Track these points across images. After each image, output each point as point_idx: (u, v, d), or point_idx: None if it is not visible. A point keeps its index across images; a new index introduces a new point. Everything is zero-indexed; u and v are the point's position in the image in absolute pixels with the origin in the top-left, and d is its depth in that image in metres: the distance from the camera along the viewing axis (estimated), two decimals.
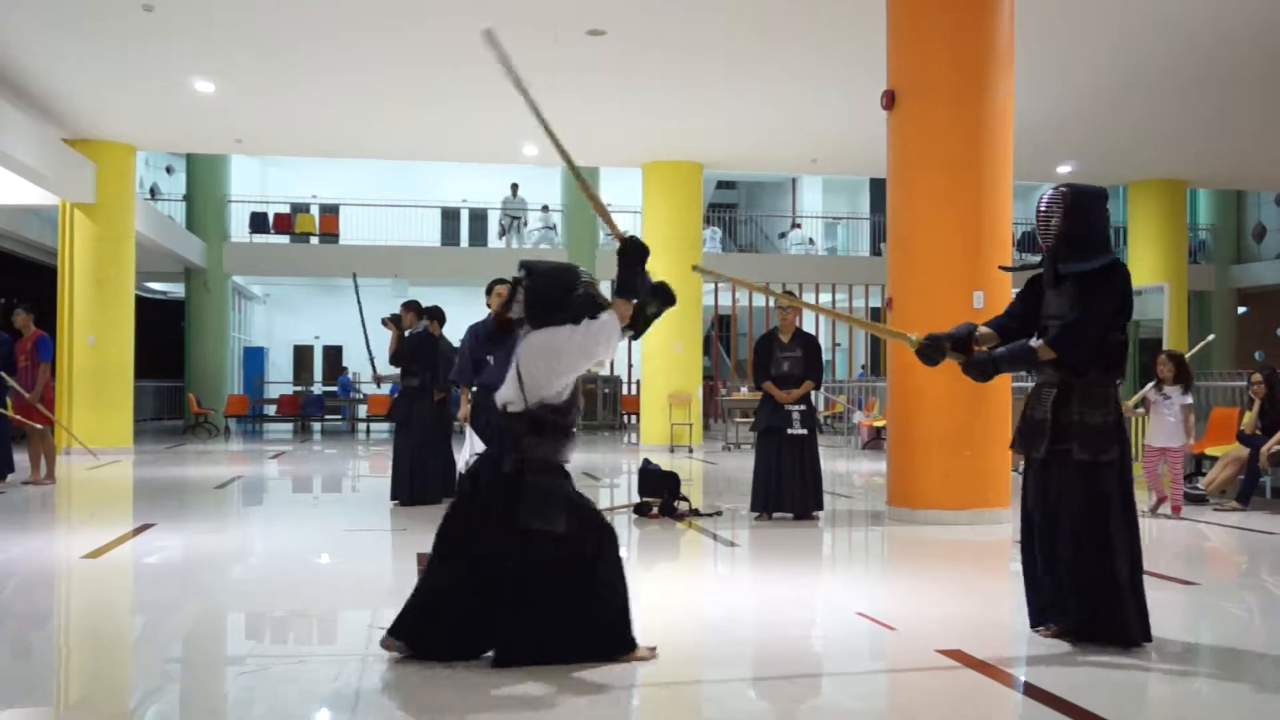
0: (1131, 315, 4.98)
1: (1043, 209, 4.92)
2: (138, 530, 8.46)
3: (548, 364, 4.60)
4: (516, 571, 4.48)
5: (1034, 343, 4.91)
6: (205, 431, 22.76)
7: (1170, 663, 4.76)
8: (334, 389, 28.33)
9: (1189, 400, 9.49)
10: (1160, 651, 4.88)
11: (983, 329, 5.15)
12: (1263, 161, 18.84)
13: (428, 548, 7.50)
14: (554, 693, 4.17)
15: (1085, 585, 4.81)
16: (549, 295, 4.72)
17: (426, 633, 4.56)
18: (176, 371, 26.47)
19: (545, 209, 26.62)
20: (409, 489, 9.99)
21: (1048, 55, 12.48)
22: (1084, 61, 13.07)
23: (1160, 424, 9.55)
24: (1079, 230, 4.87)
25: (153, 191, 26.47)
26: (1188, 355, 9.92)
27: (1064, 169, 19.63)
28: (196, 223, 25.08)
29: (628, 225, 22.81)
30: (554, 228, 26.44)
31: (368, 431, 24.41)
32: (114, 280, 16.97)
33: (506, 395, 4.66)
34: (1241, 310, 28.93)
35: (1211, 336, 12.42)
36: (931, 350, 5.03)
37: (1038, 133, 15.67)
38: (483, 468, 4.76)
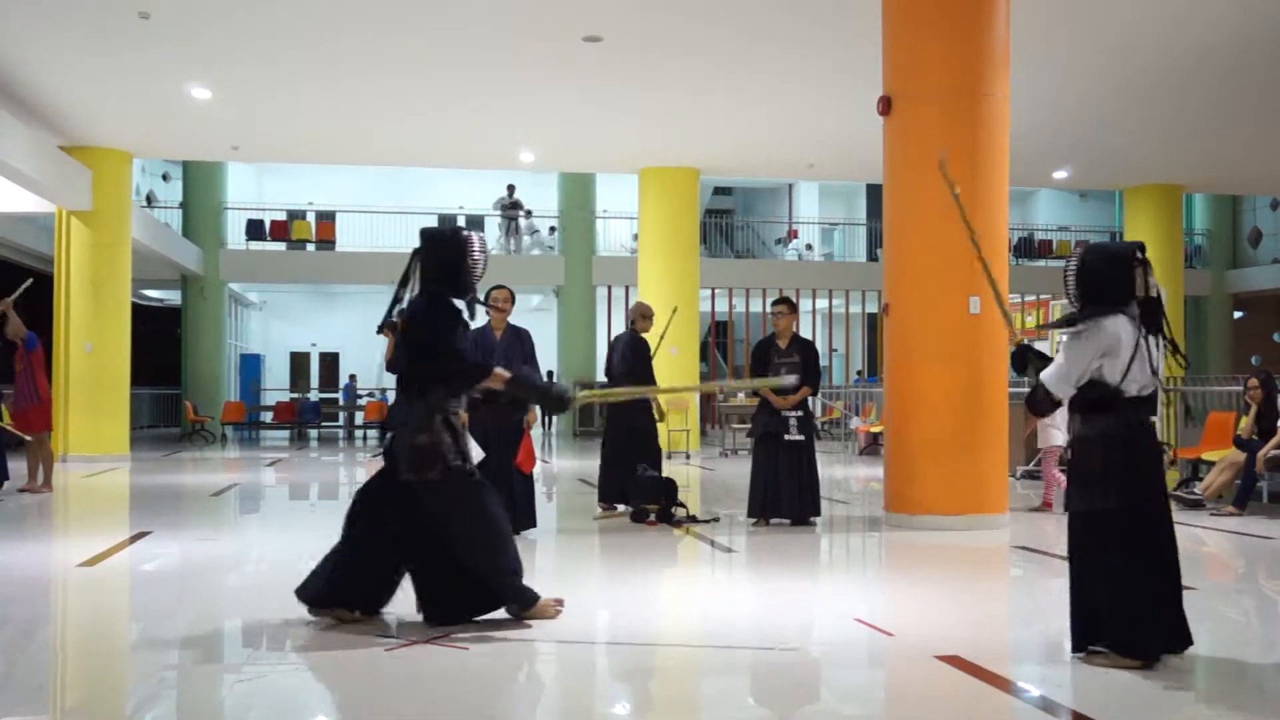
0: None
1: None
2: (134, 538, 8.45)
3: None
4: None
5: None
6: (202, 439, 22.74)
7: (1168, 668, 4.75)
8: (333, 395, 28.35)
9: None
10: (1159, 656, 4.88)
11: None
12: (1259, 166, 18.88)
13: None
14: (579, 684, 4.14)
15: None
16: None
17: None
18: (173, 379, 26.47)
19: (529, 214, 26.69)
20: None
21: (1044, 61, 12.50)
22: (1080, 67, 13.09)
23: (1044, 429, 10.17)
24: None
25: (149, 199, 26.46)
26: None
27: (1060, 174, 19.67)
28: (193, 230, 25.08)
29: (624, 231, 22.82)
30: (537, 232, 26.57)
31: (365, 438, 24.38)
32: (110, 287, 16.96)
33: (1144, 381, 4.75)
34: (1238, 315, 28.98)
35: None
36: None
37: (1034, 138, 15.69)
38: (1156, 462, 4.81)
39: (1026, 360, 5.01)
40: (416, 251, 5.45)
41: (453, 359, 5.26)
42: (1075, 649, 4.74)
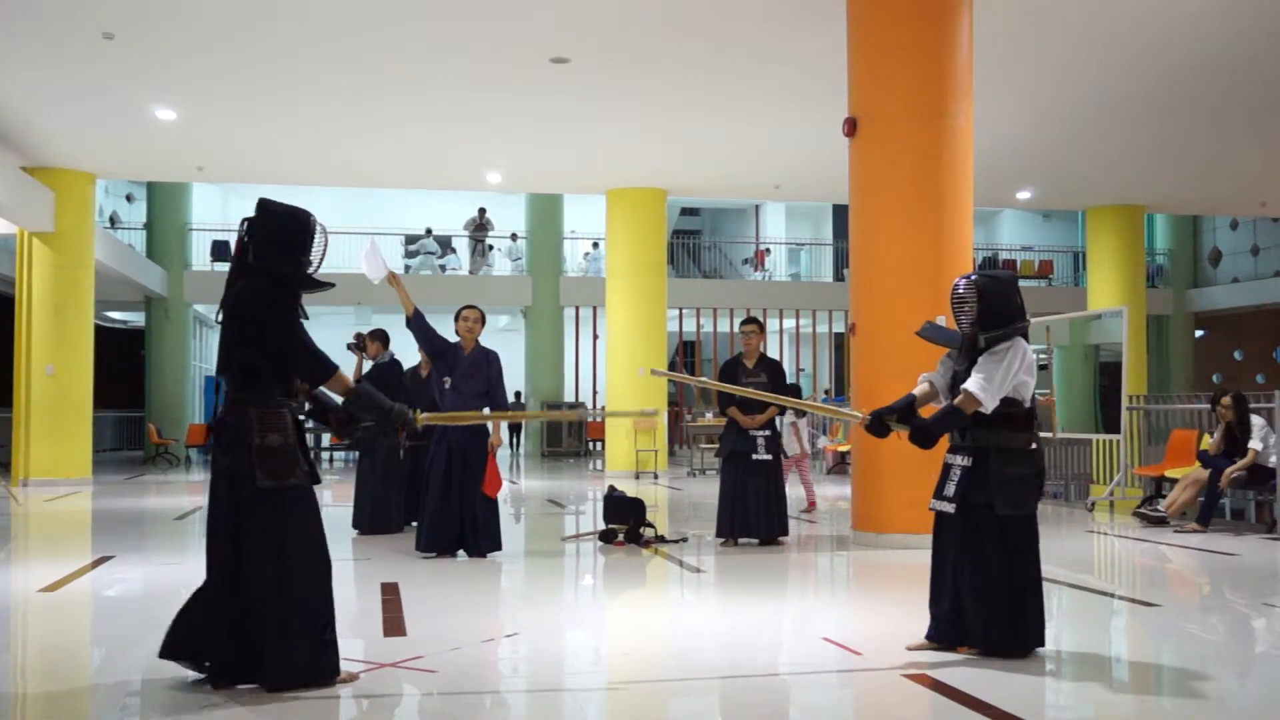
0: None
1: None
2: (96, 562, 8.35)
3: None
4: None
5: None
6: (166, 462, 22.51)
7: (1137, 685, 4.79)
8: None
9: (790, 419, 12.40)
10: (1126, 673, 4.92)
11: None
12: (1218, 187, 19.13)
13: (391, 577, 7.49)
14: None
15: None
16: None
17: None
18: (136, 401, 26.19)
19: (429, 232, 26.66)
20: (369, 518, 9.92)
21: (1006, 83, 12.64)
22: (1042, 90, 13.25)
23: (787, 441, 11.86)
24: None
25: (112, 220, 26.25)
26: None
27: (1023, 195, 19.86)
28: (157, 251, 24.89)
29: (590, 252, 22.75)
30: (438, 257, 26.60)
31: (330, 460, 24.24)
32: (73, 309, 16.79)
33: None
34: (1199, 334, 29.30)
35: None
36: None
37: (997, 159, 15.85)
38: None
39: (886, 423, 5.26)
40: (251, 222, 4.70)
41: (303, 351, 4.61)
42: (950, 644, 5.16)
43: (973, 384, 4.98)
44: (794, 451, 12.39)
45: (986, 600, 5.01)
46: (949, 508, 5.14)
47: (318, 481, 4.75)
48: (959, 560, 5.10)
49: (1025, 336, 5.14)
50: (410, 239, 27.59)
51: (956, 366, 5.24)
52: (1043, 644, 5.12)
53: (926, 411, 5.29)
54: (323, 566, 4.64)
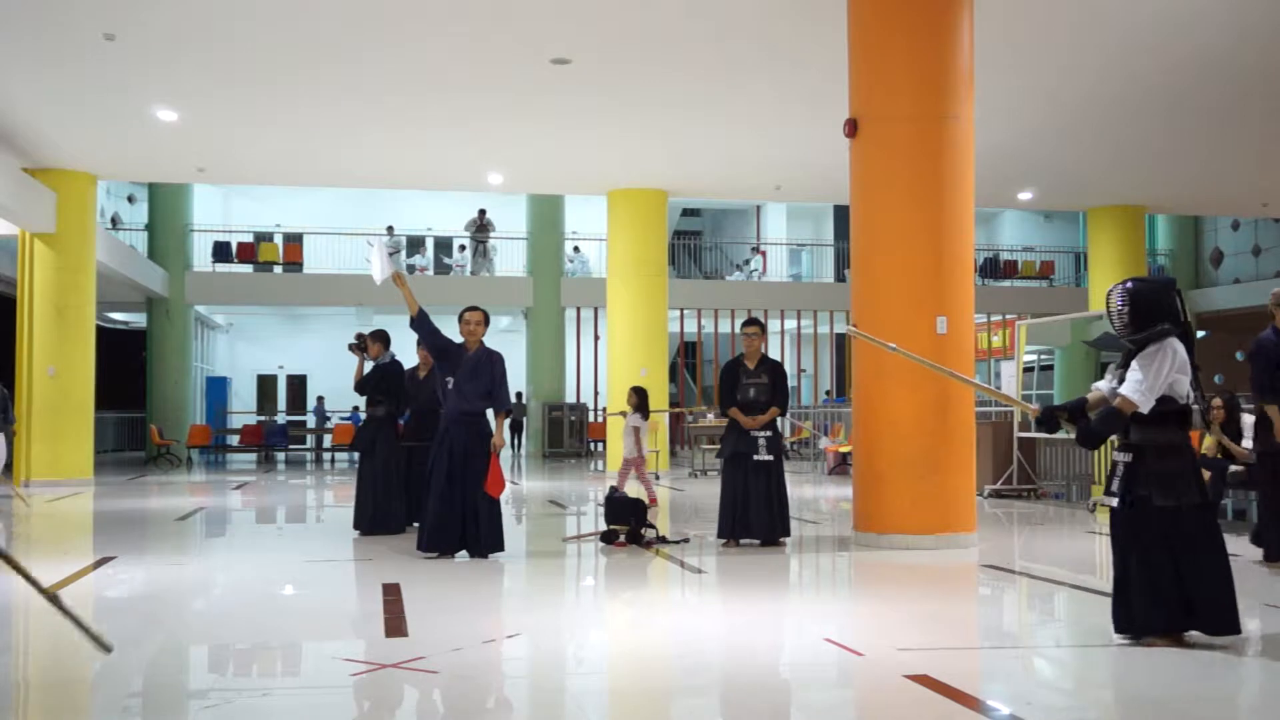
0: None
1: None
2: (99, 563, 8.35)
3: None
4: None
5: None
6: (167, 462, 22.52)
7: (1138, 685, 4.78)
8: (299, 418, 28.15)
9: (634, 423, 12.27)
10: (1126, 674, 4.91)
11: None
12: (1219, 187, 19.13)
13: (392, 578, 7.49)
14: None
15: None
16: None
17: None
18: (138, 402, 26.22)
19: (390, 229, 26.48)
20: (370, 519, 9.91)
21: (1007, 84, 12.63)
22: (1042, 90, 13.24)
23: (626, 442, 12.34)
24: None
25: (114, 221, 26.27)
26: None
27: (1025, 195, 19.87)
28: (158, 252, 24.90)
29: (592, 253, 22.81)
30: (392, 257, 26.39)
31: (333, 460, 24.23)
32: (74, 310, 16.80)
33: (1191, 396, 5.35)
34: (1201, 335, 29.29)
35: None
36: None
37: (999, 160, 15.85)
38: None
39: (1057, 419, 5.57)
40: None
41: None
42: (1160, 631, 5.29)
43: (1127, 388, 5.28)
44: (631, 454, 12.28)
45: (1140, 585, 5.25)
46: (1114, 502, 5.45)
47: None
48: (1125, 550, 5.36)
49: (1181, 337, 5.33)
50: (413, 241, 27.57)
51: (1121, 371, 5.50)
52: (1179, 630, 5.30)
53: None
54: None
